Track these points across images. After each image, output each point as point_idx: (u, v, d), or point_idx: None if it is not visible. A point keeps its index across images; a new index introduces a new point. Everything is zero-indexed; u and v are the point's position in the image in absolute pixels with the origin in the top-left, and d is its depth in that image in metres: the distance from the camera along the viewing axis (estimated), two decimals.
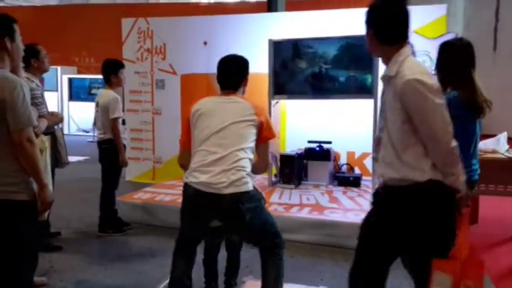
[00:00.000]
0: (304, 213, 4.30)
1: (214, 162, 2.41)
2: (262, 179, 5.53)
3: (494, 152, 4.45)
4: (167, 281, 3.30)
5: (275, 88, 5.31)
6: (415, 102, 1.94)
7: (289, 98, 5.48)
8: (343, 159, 5.83)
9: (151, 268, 3.70)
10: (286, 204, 4.57)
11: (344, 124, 5.67)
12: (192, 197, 2.46)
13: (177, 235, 2.70)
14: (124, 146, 4.36)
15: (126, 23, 6.43)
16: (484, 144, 4.51)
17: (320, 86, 5.21)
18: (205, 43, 6.14)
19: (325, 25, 5.56)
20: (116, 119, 4.19)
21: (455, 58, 2.71)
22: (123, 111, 5.60)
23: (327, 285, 3.36)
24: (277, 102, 5.45)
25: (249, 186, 2.45)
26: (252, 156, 2.53)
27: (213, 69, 6.19)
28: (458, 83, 2.69)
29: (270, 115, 5.31)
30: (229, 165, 2.40)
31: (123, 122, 4.66)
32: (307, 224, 4.14)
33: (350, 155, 5.79)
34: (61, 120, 4.07)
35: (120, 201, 4.74)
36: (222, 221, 2.50)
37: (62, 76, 12.54)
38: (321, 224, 4.12)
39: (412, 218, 2.04)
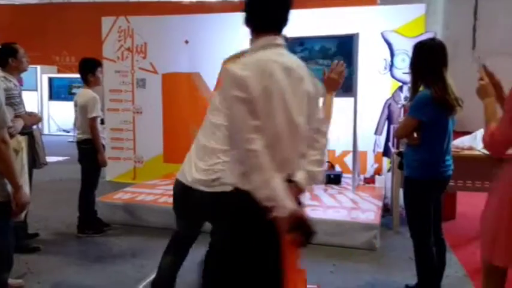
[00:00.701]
0: None
1: None
2: None
3: (471, 148, 4.52)
4: (147, 281, 3.30)
5: None
6: (222, 92, 2.06)
7: None
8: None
9: (132, 268, 3.68)
10: None
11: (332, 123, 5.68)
12: None
13: None
14: (103, 146, 4.32)
15: (106, 21, 6.37)
16: (461, 141, 4.59)
17: None
18: (186, 42, 6.11)
19: (307, 24, 5.58)
20: (94, 119, 4.15)
21: (427, 58, 2.77)
22: (103, 110, 5.56)
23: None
24: None
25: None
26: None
27: (195, 68, 6.24)
28: (430, 82, 2.74)
29: None
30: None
31: (102, 122, 4.62)
32: None
33: (331, 153, 5.82)
34: (39, 120, 4.02)
35: (100, 202, 4.70)
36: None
37: (41, 75, 12.36)
38: None
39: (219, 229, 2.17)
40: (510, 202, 1.98)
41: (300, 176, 1.81)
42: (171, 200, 2.80)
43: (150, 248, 3.93)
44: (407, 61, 5.30)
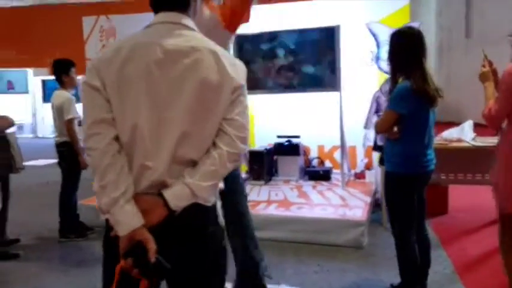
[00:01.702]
0: (271, 210, 4.22)
1: None
2: None
3: (459, 140, 4.41)
4: None
5: None
6: None
7: (253, 93, 5.36)
8: (313, 153, 5.76)
9: None
10: (253, 201, 4.47)
11: (313, 118, 5.58)
12: None
13: None
14: (82, 148, 4.23)
15: (87, 21, 6.26)
16: (449, 133, 4.48)
17: (284, 80, 5.12)
18: None
19: (292, 17, 5.47)
20: (70, 120, 4.05)
21: (405, 47, 2.65)
22: None
23: (289, 283, 3.28)
24: None
25: None
26: None
27: None
28: (410, 73, 2.63)
29: None
30: None
31: (80, 123, 4.51)
32: (273, 220, 4.06)
33: (320, 148, 5.72)
34: (11, 124, 3.91)
35: (82, 205, 4.59)
36: None
37: (34, 78, 12.27)
38: (286, 220, 4.04)
39: None
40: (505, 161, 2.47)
41: (173, 192, 1.41)
42: None
43: None
44: None
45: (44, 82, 12.30)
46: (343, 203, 4.38)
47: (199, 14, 1.69)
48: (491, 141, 4.33)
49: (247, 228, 2.86)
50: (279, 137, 5.48)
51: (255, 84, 5.18)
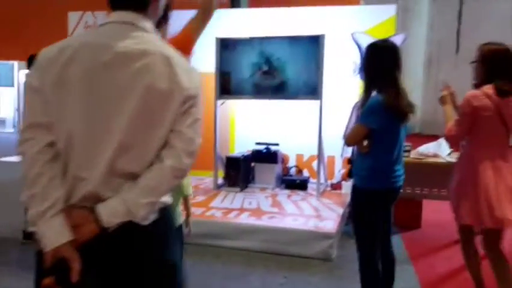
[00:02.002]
0: (242, 219, 4.15)
1: None
2: (208, 182, 5.37)
3: (435, 156, 4.39)
4: None
5: (221, 88, 5.13)
6: None
7: (234, 98, 5.32)
8: (292, 162, 5.71)
9: None
10: (225, 209, 4.41)
11: (293, 126, 5.54)
12: None
13: None
14: None
15: (73, 16, 6.17)
16: (425, 148, 4.47)
17: (265, 86, 5.07)
18: None
19: (279, 24, 5.44)
20: None
21: (379, 60, 2.60)
22: None
23: None
24: (223, 102, 5.28)
25: None
26: None
27: None
28: (382, 86, 2.58)
29: (216, 116, 5.16)
30: None
31: None
32: (243, 229, 3.99)
33: (299, 157, 5.67)
34: None
35: None
36: None
37: (19, 71, 12.11)
38: (256, 229, 3.98)
39: None
40: (469, 176, 2.70)
41: (107, 207, 1.31)
42: None
43: None
44: None
45: None
46: (316, 213, 4.33)
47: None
48: None
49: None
50: (257, 143, 5.42)
51: (236, 89, 5.14)
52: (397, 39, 5.18)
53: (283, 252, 3.85)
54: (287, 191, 5.20)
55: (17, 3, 11.90)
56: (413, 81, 14.27)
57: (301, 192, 5.14)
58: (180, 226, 2.86)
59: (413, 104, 2.62)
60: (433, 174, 4.39)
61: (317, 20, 5.38)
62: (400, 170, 2.70)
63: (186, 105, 1.37)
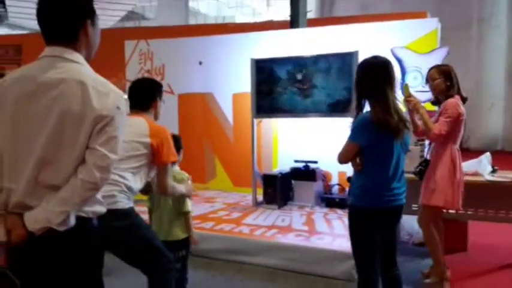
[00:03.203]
0: (266, 236, 4.17)
1: None
2: (249, 199, 5.45)
3: (476, 174, 4.11)
4: None
5: (257, 107, 5.24)
6: None
7: (271, 117, 5.39)
8: (334, 180, 5.63)
9: None
10: (255, 226, 4.46)
11: (334, 143, 5.45)
12: None
13: None
14: None
15: (129, 45, 6.66)
16: (465, 166, 4.18)
17: (302, 105, 5.09)
18: (200, 63, 6.21)
19: (317, 42, 5.46)
20: None
21: (369, 76, 2.57)
22: None
23: None
24: (260, 121, 5.38)
25: (120, 205, 2.41)
26: (132, 176, 2.48)
27: (208, 88, 6.33)
28: (372, 102, 2.54)
29: (253, 135, 5.26)
30: None
31: None
32: (266, 246, 4.01)
33: (341, 175, 5.57)
34: None
35: None
36: None
37: None
38: (279, 247, 3.98)
39: None
40: (449, 168, 3.35)
41: (32, 214, 1.52)
42: None
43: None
44: (420, 79, 5.06)
45: None
46: (346, 233, 4.21)
47: None
48: (511, 176, 4.01)
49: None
50: (296, 161, 5.43)
51: (272, 108, 5.22)
52: (440, 53, 5.00)
53: (305, 271, 3.81)
54: (326, 210, 5.14)
55: None
56: (493, 94, 13.35)
57: (339, 211, 5.05)
58: (180, 240, 2.99)
59: (405, 119, 2.54)
60: (476, 194, 4.10)
61: (355, 37, 5.32)
62: (399, 187, 2.60)
63: (99, 124, 1.54)
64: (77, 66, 1.61)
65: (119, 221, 2.39)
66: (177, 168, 3.04)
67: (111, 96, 1.58)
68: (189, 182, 3.01)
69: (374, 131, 2.48)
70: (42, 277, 1.59)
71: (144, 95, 2.71)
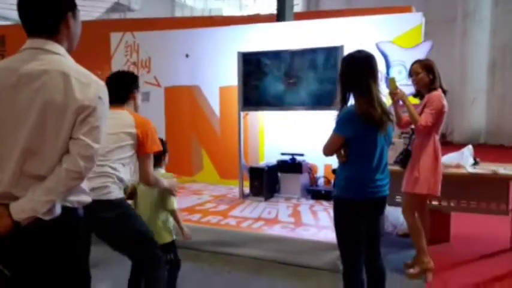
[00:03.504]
0: (253, 227, 4.21)
1: None
2: (236, 192, 5.48)
3: (458, 166, 4.20)
4: None
5: (244, 100, 5.27)
6: None
7: (257, 110, 5.42)
8: (320, 172, 5.69)
9: None
10: (242, 218, 4.50)
11: (321, 136, 5.50)
12: None
13: None
14: None
15: (114, 37, 6.61)
16: (447, 159, 4.27)
17: (288, 98, 5.12)
18: (187, 55, 6.20)
19: (302, 36, 5.49)
20: None
21: (353, 70, 2.61)
22: None
23: None
24: (246, 114, 5.41)
25: (113, 195, 2.45)
26: (122, 167, 2.53)
27: (195, 81, 6.30)
28: (356, 95, 2.58)
29: (239, 127, 5.29)
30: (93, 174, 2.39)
31: None
32: (252, 238, 4.05)
33: (327, 167, 5.63)
34: None
35: None
36: None
37: None
38: (265, 238, 4.02)
39: None
40: (433, 157, 3.51)
41: (17, 204, 1.54)
42: None
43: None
44: (404, 73, 5.12)
45: None
46: (331, 224, 4.27)
47: None
48: (492, 168, 4.11)
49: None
50: (282, 154, 5.47)
51: (259, 101, 5.24)
52: (424, 47, 5.07)
53: (291, 262, 3.86)
54: (312, 202, 5.19)
55: None
56: (476, 88, 13.54)
57: (325, 203, 5.11)
58: (167, 244, 2.96)
59: (389, 112, 2.59)
60: (458, 186, 4.20)
61: (341, 31, 5.36)
62: (383, 179, 2.65)
63: (82, 115, 1.57)
64: (58, 57, 1.63)
65: (112, 211, 2.44)
66: (162, 170, 3.04)
67: (92, 87, 1.61)
68: (174, 179, 2.99)
69: (358, 123, 2.53)
70: (31, 267, 1.60)
71: (121, 88, 2.71)
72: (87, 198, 1.72)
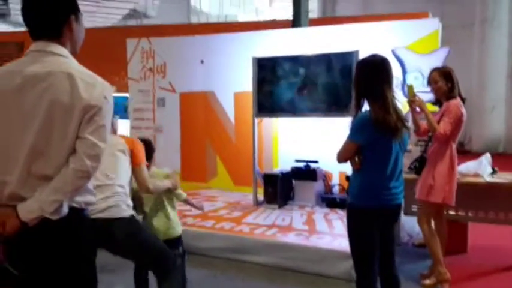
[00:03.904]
0: (266, 235, 4.18)
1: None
2: (250, 199, 5.45)
3: (476, 175, 4.11)
4: None
5: (258, 106, 5.25)
6: None
7: (272, 116, 5.40)
8: (335, 180, 5.63)
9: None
10: (255, 225, 4.47)
11: (336, 143, 5.45)
12: None
13: None
14: None
15: (131, 43, 6.67)
16: (465, 167, 4.19)
17: (303, 104, 5.09)
18: (202, 61, 6.22)
19: (318, 41, 5.46)
20: None
21: (367, 75, 2.57)
22: None
23: None
24: (261, 120, 5.39)
25: (124, 214, 2.57)
26: (126, 184, 2.70)
27: (210, 87, 6.31)
28: (371, 101, 2.54)
29: (253, 134, 5.28)
30: (104, 195, 2.52)
31: None
32: (265, 245, 4.02)
33: (342, 175, 5.57)
34: None
35: None
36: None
37: None
38: (279, 246, 3.99)
39: None
40: (449, 166, 3.48)
41: (25, 205, 1.55)
42: None
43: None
44: (421, 79, 5.06)
45: None
46: (346, 233, 4.21)
47: None
48: (511, 177, 4.01)
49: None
50: (297, 161, 5.43)
51: (273, 107, 5.22)
52: (441, 54, 5.00)
53: (304, 270, 3.82)
54: (326, 210, 5.14)
55: (113, 32, 12.94)
56: (495, 96, 13.30)
57: (340, 211, 5.05)
58: (176, 238, 3.08)
59: (404, 118, 2.55)
60: (475, 196, 4.11)
61: (356, 37, 5.31)
62: (397, 187, 2.60)
63: (88, 114, 1.59)
64: (62, 59, 1.65)
65: (125, 228, 2.55)
66: (155, 169, 3.16)
67: (98, 87, 1.63)
68: (176, 176, 3.17)
69: (373, 130, 2.48)
70: (38, 267, 1.62)
71: None
72: (92, 198, 1.74)
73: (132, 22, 16.36)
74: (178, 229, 3.10)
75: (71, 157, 1.58)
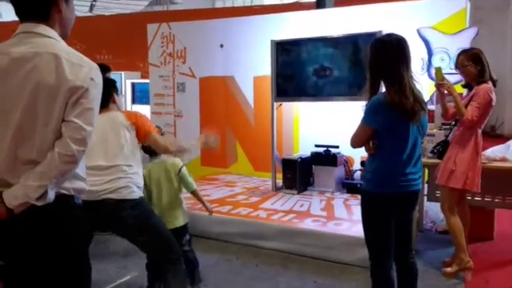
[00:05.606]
0: (283, 220, 4.11)
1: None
2: (269, 184, 5.38)
3: (503, 159, 3.91)
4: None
5: (278, 90, 5.15)
6: None
7: (291, 100, 5.29)
8: (357, 165, 5.49)
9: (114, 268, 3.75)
10: (272, 210, 4.41)
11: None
12: None
13: None
14: None
15: (151, 28, 6.64)
16: (492, 152, 3.99)
17: (324, 88, 4.96)
18: (221, 46, 6.14)
19: (341, 22, 5.28)
20: None
21: (382, 56, 2.44)
22: None
23: None
24: (280, 104, 5.29)
25: (134, 195, 2.53)
26: (135, 163, 2.62)
27: (229, 71, 6.23)
28: (387, 83, 2.41)
29: (272, 118, 5.19)
30: (112, 176, 2.49)
31: None
32: (281, 231, 3.95)
33: (364, 160, 5.42)
34: None
35: None
36: (104, 227, 2.57)
37: (125, 81, 13.23)
38: (295, 232, 3.91)
39: None
40: (472, 151, 3.33)
41: (11, 191, 1.51)
42: None
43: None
44: (448, 60, 4.85)
45: (133, 85, 13.26)
46: None
47: None
48: None
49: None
50: (317, 146, 5.32)
51: (293, 91, 5.11)
52: (469, 33, 4.77)
53: (322, 256, 3.75)
54: (347, 195, 5.03)
55: (136, 18, 12.93)
56: (502, 88, 12.65)
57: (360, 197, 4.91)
58: (182, 226, 3.07)
59: (422, 100, 2.41)
60: (503, 181, 3.93)
61: (381, 17, 5.13)
62: (415, 173, 2.48)
63: (74, 96, 1.53)
64: (50, 40, 1.60)
65: (134, 210, 2.51)
66: (162, 157, 3.12)
67: (85, 68, 1.57)
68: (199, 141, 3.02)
69: (388, 113, 2.36)
70: (26, 256, 1.58)
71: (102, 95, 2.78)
72: (83, 185, 1.68)
73: (158, 8, 16.36)
74: (185, 217, 3.17)
75: (57, 141, 1.53)
